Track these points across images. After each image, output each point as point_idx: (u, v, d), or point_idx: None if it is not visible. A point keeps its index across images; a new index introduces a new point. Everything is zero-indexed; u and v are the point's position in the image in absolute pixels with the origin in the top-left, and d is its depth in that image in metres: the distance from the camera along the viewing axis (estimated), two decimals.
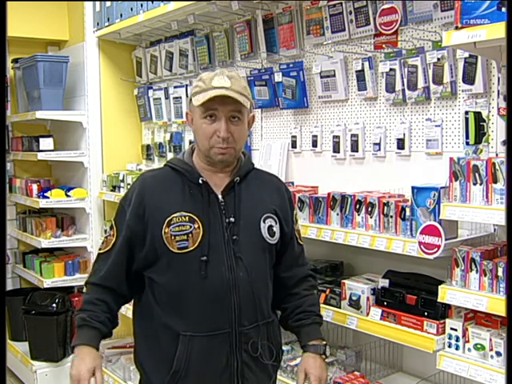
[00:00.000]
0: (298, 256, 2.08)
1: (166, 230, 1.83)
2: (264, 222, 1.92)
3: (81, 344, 1.85)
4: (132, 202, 1.89)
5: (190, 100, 1.91)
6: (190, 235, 1.83)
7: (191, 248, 1.83)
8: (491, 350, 1.91)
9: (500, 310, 1.81)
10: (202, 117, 1.86)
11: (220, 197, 1.89)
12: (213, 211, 1.86)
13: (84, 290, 1.98)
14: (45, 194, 4.13)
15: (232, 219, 1.87)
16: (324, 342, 2.01)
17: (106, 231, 2.00)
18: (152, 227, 1.85)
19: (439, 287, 2.00)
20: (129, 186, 2.09)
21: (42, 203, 4.04)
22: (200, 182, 1.88)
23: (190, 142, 3.73)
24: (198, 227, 1.83)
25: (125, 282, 1.91)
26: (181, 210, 1.85)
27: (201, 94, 1.84)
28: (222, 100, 1.81)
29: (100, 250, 1.96)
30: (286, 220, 2.01)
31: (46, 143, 4.06)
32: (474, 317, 2.03)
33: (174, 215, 1.83)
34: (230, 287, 1.83)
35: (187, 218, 1.84)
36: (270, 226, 1.94)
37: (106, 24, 3.90)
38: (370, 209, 2.28)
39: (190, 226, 1.83)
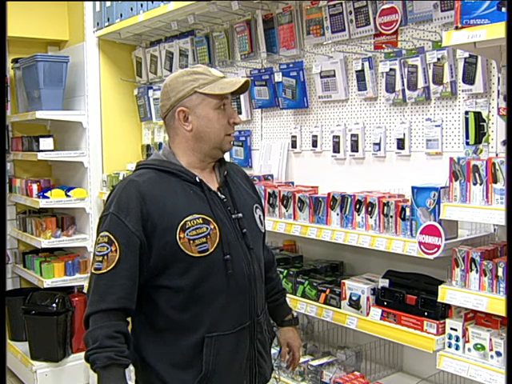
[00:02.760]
0: (264, 239, 2.10)
1: (182, 235, 1.74)
2: (256, 211, 1.97)
3: None
4: (131, 211, 1.73)
5: (186, 96, 1.80)
6: (209, 237, 1.77)
7: (212, 250, 1.78)
8: (491, 349, 1.91)
9: (500, 309, 1.81)
10: (217, 107, 1.82)
11: (219, 193, 1.88)
12: (219, 209, 1.84)
13: (94, 321, 1.69)
14: (45, 194, 4.12)
15: (240, 215, 1.87)
16: (295, 314, 2.28)
17: (106, 247, 1.73)
18: (161, 234, 1.74)
19: (439, 287, 2.00)
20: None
21: (42, 203, 4.04)
22: (197, 180, 1.83)
23: None
24: (214, 227, 1.79)
25: (136, 297, 1.76)
26: (191, 212, 1.77)
27: (213, 83, 1.80)
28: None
29: (100, 270, 1.71)
30: (262, 206, 2.07)
31: (46, 143, 4.06)
32: (474, 317, 2.03)
33: (187, 219, 1.75)
34: (250, 280, 1.85)
35: (201, 219, 1.77)
36: (259, 216, 1.99)
37: (106, 24, 3.90)
38: (369, 209, 2.28)
39: (207, 228, 1.77)
